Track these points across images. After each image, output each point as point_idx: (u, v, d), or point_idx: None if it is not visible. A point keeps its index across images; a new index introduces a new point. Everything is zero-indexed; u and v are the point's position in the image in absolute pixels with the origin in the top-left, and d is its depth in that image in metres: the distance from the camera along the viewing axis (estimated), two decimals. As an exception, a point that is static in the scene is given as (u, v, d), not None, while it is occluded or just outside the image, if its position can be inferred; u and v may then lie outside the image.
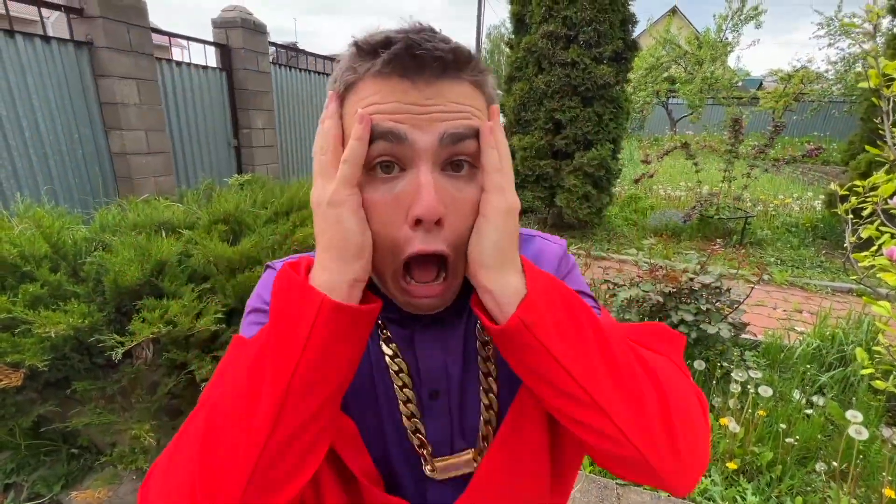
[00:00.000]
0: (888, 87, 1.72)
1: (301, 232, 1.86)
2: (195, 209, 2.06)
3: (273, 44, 5.22)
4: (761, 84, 19.23)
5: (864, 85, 1.81)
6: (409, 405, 0.48)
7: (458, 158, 0.40)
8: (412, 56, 0.37)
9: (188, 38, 4.17)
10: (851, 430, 1.48)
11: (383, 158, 0.39)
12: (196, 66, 4.24)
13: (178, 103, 4.12)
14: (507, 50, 5.43)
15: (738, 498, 1.68)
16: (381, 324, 0.49)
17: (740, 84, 15.24)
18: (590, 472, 1.73)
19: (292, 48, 5.94)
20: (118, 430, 1.56)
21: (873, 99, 2.17)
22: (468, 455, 0.50)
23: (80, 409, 1.60)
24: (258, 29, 4.64)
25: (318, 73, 5.93)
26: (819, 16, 11.29)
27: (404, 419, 0.48)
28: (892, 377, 1.79)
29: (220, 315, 1.55)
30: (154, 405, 1.58)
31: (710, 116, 15.04)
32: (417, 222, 0.38)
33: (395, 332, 0.49)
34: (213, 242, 1.67)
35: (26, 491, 1.70)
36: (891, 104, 1.80)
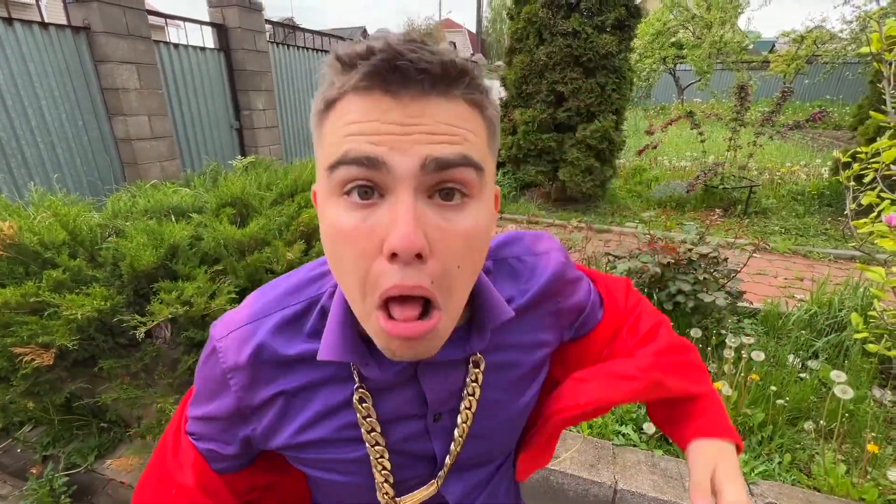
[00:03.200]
0: (890, 51, 1.70)
1: (306, 213, 1.91)
2: (203, 193, 2.12)
3: (269, 21, 5.15)
4: (773, 46, 18.56)
5: (865, 50, 1.79)
6: (377, 448, 0.48)
7: (448, 186, 0.35)
8: (393, 68, 0.33)
9: (184, 19, 4.13)
10: (837, 390, 1.54)
11: (360, 183, 0.35)
12: (194, 47, 4.22)
13: (179, 86, 4.12)
14: (508, 21, 5.31)
15: (729, 456, 1.76)
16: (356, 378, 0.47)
17: (752, 47, 14.74)
18: (587, 435, 1.83)
19: (289, 25, 5.85)
20: (144, 404, 1.67)
21: (875, 63, 2.14)
22: (433, 486, 0.51)
23: (107, 386, 1.71)
24: (254, 7, 4.58)
25: (317, 51, 5.86)
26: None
27: (373, 460, 0.48)
28: (883, 340, 1.84)
29: (233, 295, 1.62)
30: (175, 381, 1.68)
31: (719, 82, 14.62)
32: (393, 256, 0.33)
33: (393, 365, 0.45)
34: (223, 225, 1.73)
35: (63, 461, 1.83)
36: (893, 69, 1.78)
